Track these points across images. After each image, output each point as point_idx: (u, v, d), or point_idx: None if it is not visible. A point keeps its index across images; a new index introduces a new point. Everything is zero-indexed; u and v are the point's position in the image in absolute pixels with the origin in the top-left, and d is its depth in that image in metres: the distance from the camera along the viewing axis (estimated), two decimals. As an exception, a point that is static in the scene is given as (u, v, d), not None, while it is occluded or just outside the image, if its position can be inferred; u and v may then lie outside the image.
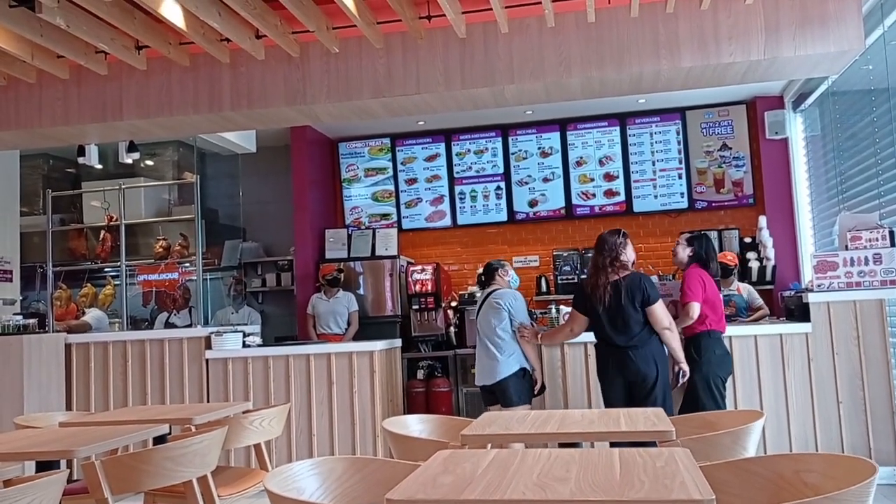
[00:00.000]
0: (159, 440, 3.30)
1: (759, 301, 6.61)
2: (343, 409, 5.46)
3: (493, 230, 8.40)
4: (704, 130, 8.01)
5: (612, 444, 2.84)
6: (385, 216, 8.50)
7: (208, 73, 5.27)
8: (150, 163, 8.41)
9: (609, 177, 8.14)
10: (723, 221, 7.93)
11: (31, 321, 5.95)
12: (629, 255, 4.54)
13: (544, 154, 8.26)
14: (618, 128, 8.14)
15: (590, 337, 4.78)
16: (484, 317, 5.14)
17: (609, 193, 8.14)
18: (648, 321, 4.43)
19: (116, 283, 7.33)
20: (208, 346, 5.73)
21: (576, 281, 7.47)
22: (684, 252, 4.92)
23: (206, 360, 5.71)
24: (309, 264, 7.95)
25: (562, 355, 5.22)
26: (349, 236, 8.18)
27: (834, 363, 4.98)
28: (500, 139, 8.35)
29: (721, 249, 7.30)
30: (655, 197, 8.05)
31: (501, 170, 8.33)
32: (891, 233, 4.98)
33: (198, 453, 2.86)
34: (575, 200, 8.18)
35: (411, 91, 5.03)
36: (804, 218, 7.40)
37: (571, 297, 4.85)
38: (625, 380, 4.42)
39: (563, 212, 8.20)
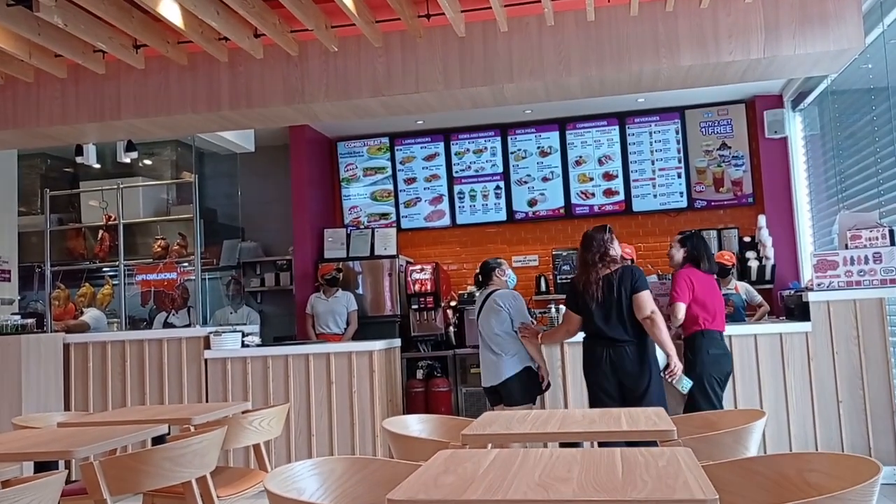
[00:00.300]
0: (158, 440, 3.28)
1: (759, 298, 6.62)
2: (342, 410, 5.44)
3: (492, 230, 8.39)
4: (704, 130, 8.00)
5: (601, 444, 2.81)
6: (384, 216, 8.49)
7: (207, 72, 5.25)
8: (148, 162, 8.39)
9: (608, 176, 8.13)
10: (722, 221, 7.93)
11: (30, 321, 5.93)
12: (616, 250, 4.54)
13: (543, 153, 8.25)
14: (617, 127, 8.13)
15: (589, 336, 4.76)
16: (485, 319, 5.12)
17: (608, 193, 8.13)
18: None
19: (115, 282, 7.31)
20: (207, 346, 5.71)
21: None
22: (679, 254, 4.92)
23: (205, 360, 5.70)
24: (308, 264, 7.93)
25: (562, 355, 5.21)
26: (348, 236, 8.17)
27: (834, 362, 4.98)
28: (499, 139, 8.34)
29: (720, 249, 7.30)
30: (655, 196, 8.04)
31: (500, 169, 8.32)
32: (890, 232, 4.97)
33: (197, 453, 2.85)
34: (574, 200, 8.17)
35: (410, 90, 5.01)
36: (803, 217, 7.39)
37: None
38: (617, 379, 4.39)
39: (562, 211, 8.20)
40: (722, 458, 2.32)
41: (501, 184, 8.32)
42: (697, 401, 4.64)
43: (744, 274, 7.26)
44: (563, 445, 2.89)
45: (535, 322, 5.30)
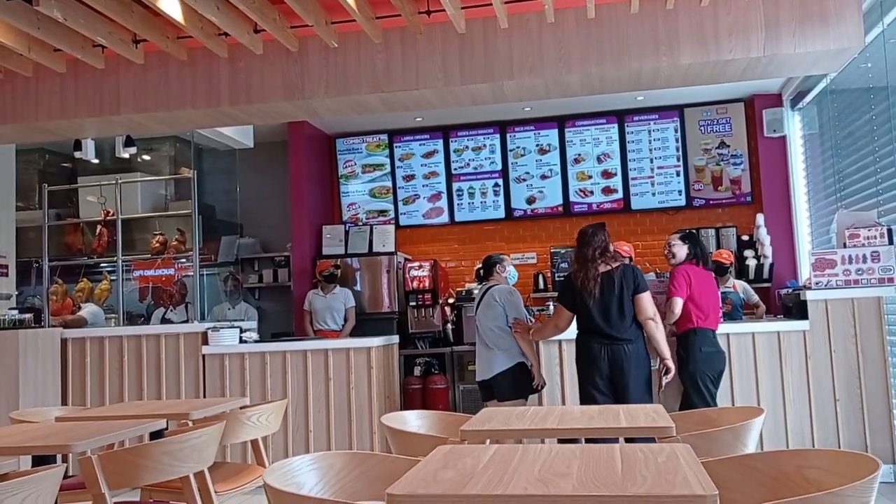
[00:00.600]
0: (156, 435, 3.28)
1: (756, 298, 6.63)
2: (340, 406, 5.44)
3: (490, 227, 8.39)
4: (702, 128, 8.00)
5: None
6: (382, 212, 8.49)
7: (206, 68, 5.24)
8: (146, 158, 8.38)
9: (607, 174, 8.14)
10: (720, 219, 7.93)
11: (27, 316, 5.91)
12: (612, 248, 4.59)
13: (542, 151, 8.25)
14: (616, 125, 8.13)
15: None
16: (481, 313, 5.15)
17: (607, 191, 8.13)
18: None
19: (113, 278, 7.30)
20: (205, 342, 5.71)
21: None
22: (682, 251, 4.92)
23: (203, 356, 5.69)
24: (306, 260, 7.93)
25: (559, 352, 5.21)
26: (346, 232, 8.17)
27: (831, 361, 4.98)
28: (498, 136, 8.34)
29: (718, 247, 7.32)
30: (653, 194, 8.05)
31: (499, 167, 8.32)
32: (889, 231, 4.98)
33: (195, 448, 2.84)
34: (573, 198, 8.18)
35: (410, 86, 5.01)
36: (801, 216, 7.40)
37: None
38: (612, 376, 4.41)
39: (560, 209, 8.20)
40: (720, 455, 2.32)
41: (500, 181, 8.32)
42: (691, 398, 4.68)
43: (742, 272, 7.28)
44: (561, 442, 2.90)
45: (532, 320, 5.30)
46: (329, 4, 4.66)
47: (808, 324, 5.02)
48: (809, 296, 5.03)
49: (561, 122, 8.20)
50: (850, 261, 4.99)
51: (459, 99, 5.29)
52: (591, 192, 8.16)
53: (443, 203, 8.41)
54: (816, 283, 5.04)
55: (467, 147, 8.39)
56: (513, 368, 4.97)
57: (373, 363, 5.44)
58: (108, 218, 7.11)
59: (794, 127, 7.55)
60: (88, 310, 6.94)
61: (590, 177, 8.17)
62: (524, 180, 8.27)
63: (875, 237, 4.98)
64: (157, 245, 7.45)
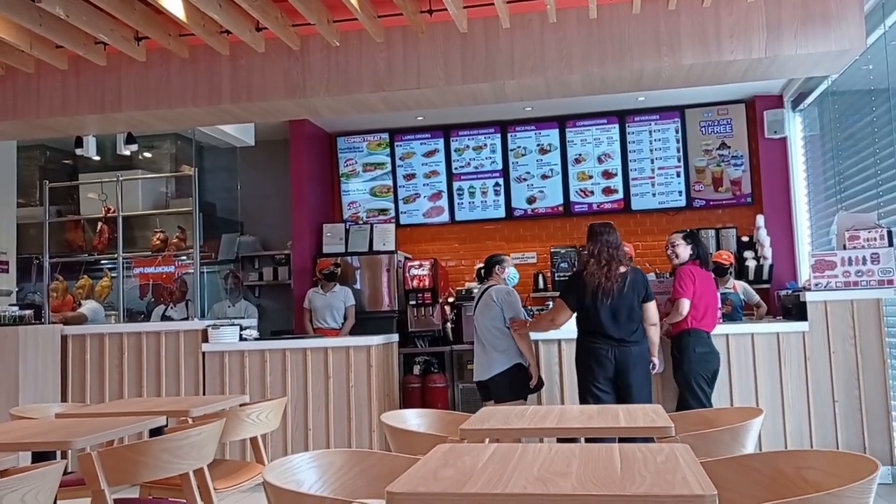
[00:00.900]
0: (156, 432, 3.28)
1: (757, 298, 6.64)
2: (339, 404, 5.44)
3: (490, 226, 8.39)
4: (703, 129, 8.00)
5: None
6: (383, 211, 8.49)
7: (208, 66, 5.24)
8: (148, 155, 8.38)
9: (607, 174, 8.14)
10: (720, 220, 7.94)
11: (28, 312, 5.92)
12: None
13: (543, 151, 8.25)
14: (617, 125, 8.14)
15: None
16: (479, 314, 5.15)
17: (607, 191, 8.13)
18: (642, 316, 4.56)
19: (113, 275, 7.30)
20: (205, 340, 5.71)
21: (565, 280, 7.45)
22: (686, 251, 4.93)
23: (203, 354, 5.69)
24: (306, 258, 7.93)
25: (559, 352, 5.22)
26: (347, 231, 8.17)
27: (830, 362, 4.99)
28: (498, 135, 8.34)
29: (718, 248, 7.32)
30: (654, 195, 8.05)
31: (500, 166, 8.32)
32: (889, 232, 4.98)
33: (195, 446, 2.85)
34: (573, 198, 8.18)
35: (411, 85, 5.01)
36: (802, 217, 7.40)
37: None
38: (617, 377, 4.42)
39: (561, 209, 8.20)
40: (719, 455, 2.33)
41: (501, 181, 8.32)
42: (686, 398, 4.70)
43: (741, 273, 7.28)
44: (560, 441, 2.90)
45: (528, 318, 5.30)
46: (331, 3, 4.66)
47: (807, 325, 5.02)
48: (809, 297, 5.04)
49: (562, 122, 8.20)
50: (850, 262, 5.00)
51: (461, 98, 5.29)
52: (592, 193, 8.16)
53: (443, 202, 8.41)
54: (816, 285, 5.05)
55: (468, 146, 8.39)
56: (510, 370, 4.97)
57: (372, 362, 5.44)
58: (109, 215, 7.11)
59: (794, 128, 7.55)
60: (89, 307, 6.95)
61: (590, 177, 8.17)
62: (525, 180, 8.28)
63: (875, 239, 4.99)
64: (158, 242, 7.46)
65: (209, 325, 5.75)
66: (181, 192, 8.37)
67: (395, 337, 6.24)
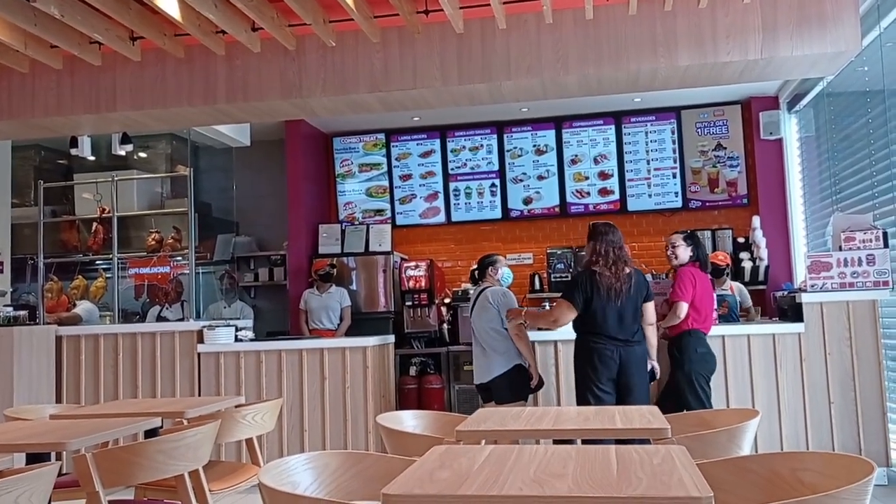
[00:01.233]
0: (151, 434, 3.27)
1: (749, 302, 6.65)
2: (335, 405, 5.43)
3: (487, 227, 8.39)
4: (699, 130, 8.01)
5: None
6: (379, 212, 8.49)
7: (203, 65, 5.23)
8: (143, 155, 8.36)
9: (604, 175, 8.14)
10: (716, 221, 7.94)
11: (22, 313, 5.90)
12: None
13: (539, 152, 8.25)
14: (613, 126, 8.14)
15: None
16: (477, 316, 5.14)
17: (603, 192, 8.14)
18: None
19: (108, 275, 7.28)
20: (200, 340, 5.70)
21: (569, 279, 7.45)
22: (686, 252, 4.92)
23: (198, 354, 5.68)
24: (302, 259, 7.92)
25: (555, 353, 5.22)
26: (343, 231, 8.16)
27: (826, 363, 4.99)
28: (495, 136, 8.34)
29: (714, 249, 7.32)
30: (650, 196, 8.06)
31: (496, 167, 8.32)
32: (884, 234, 4.99)
33: (190, 447, 2.84)
34: (569, 198, 8.18)
35: (408, 86, 5.01)
36: (797, 218, 7.41)
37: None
38: (619, 378, 4.41)
39: (557, 210, 8.20)
40: (716, 457, 2.32)
41: (497, 181, 8.32)
42: (687, 399, 4.68)
43: (737, 274, 7.28)
44: (557, 443, 2.89)
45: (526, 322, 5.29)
46: (327, 3, 4.65)
47: (803, 326, 5.03)
48: (805, 298, 5.04)
49: (558, 123, 8.21)
50: (846, 263, 5.00)
51: (457, 99, 5.29)
52: (588, 194, 8.16)
53: (439, 203, 8.41)
54: (812, 286, 5.06)
55: (464, 147, 8.39)
56: (510, 371, 4.96)
57: (368, 363, 5.43)
58: (104, 215, 7.09)
59: (790, 129, 7.56)
60: (83, 307, 6.92)
61: (586, 178, 8.17)
62: (521, 181, 8.28)
63: (870, 240, 4.99)
64: (153, 243, 7.44)
65: (205, 326, 5.74)
66: (176, 193, 8.35)
67: (392, 338, 6.23)
